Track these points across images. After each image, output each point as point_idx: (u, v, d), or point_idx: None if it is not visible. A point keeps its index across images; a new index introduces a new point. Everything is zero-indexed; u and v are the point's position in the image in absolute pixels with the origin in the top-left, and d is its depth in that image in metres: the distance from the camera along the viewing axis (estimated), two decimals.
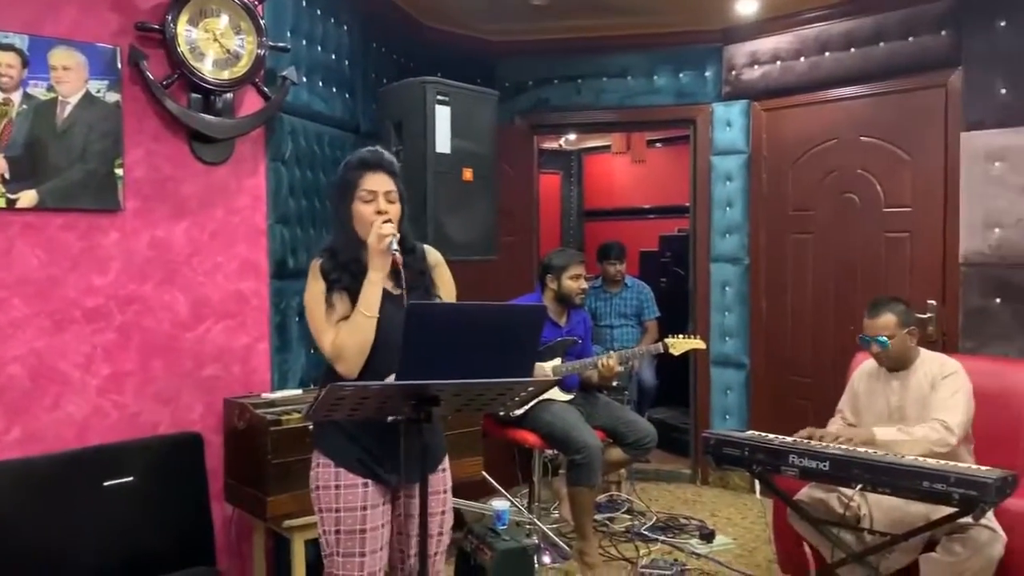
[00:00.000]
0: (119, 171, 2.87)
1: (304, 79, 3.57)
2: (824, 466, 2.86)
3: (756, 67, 4.87)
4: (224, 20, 3.09)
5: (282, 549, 3.17)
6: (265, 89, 3.25)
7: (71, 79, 2.76)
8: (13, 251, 2.68)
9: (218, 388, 3.17)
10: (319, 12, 3.71)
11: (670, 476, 5.29)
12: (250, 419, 2.95)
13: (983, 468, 2.72)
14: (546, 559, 3.92)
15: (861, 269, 4.49)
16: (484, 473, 3.73)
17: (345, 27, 3.94)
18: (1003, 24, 3.78)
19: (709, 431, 3.37)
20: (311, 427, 2.36)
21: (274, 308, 3.38)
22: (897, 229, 4.35)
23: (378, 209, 2.23)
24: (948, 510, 2.71)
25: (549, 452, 4.20)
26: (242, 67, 3.15)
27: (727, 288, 5.05)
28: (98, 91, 2.81)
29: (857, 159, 4.51)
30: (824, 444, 2.98)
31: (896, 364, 3.23)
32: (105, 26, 2.85)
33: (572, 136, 7.85)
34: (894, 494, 2.78)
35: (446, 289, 2.40)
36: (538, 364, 3.81)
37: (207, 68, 3.05)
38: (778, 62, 4.78)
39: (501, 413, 3.77)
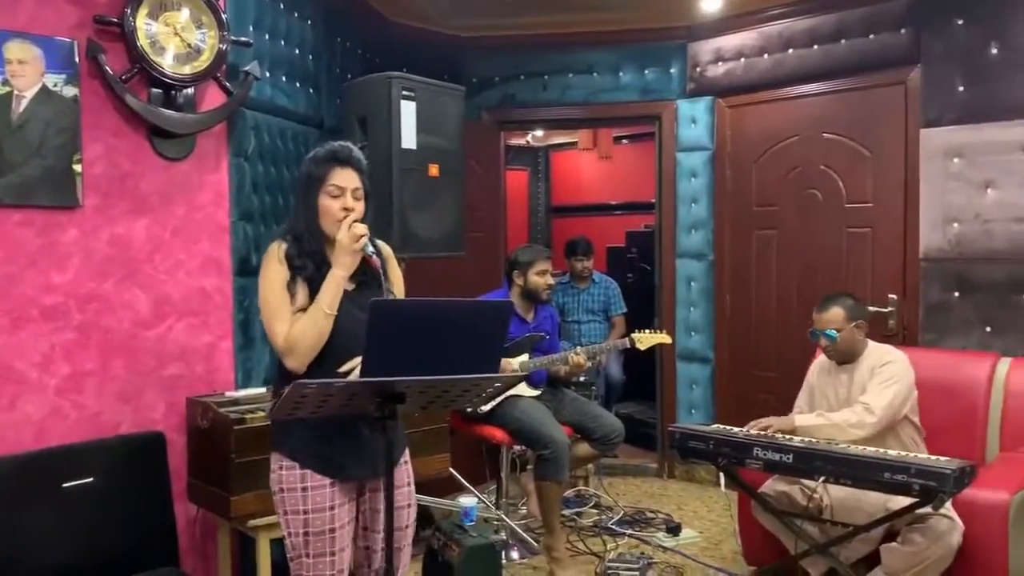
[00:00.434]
0: (77, 167, 2.82)
1: (267, 74, 3.54)
2: (788, 458, 2.91)
3: (720, 64, 4.91)
4: (185, 14, 3.05)
5: (247, 549, 3.14)
6: (227, 84, 3.21)
7: (27, 73, 2.70)
8: None
9: (181, 387, 3.13)
10: (282, 6, 3.67)
11: (637, 470, 5.33)
12: (213, 418, 2.91)
13: (942, 459, 2.77)
14: (514, 555, 3.93)
15: (824, 264, 4.55)
16: (452, 470, 3.73)
17: (308, 22, 3.90)
18: (960, 23, 3.85)
19: (675, 425, 3.41)
20: (272, 431, 2.33)
21: (237, 306, 3.34)
22: (859, 224, 4.41)
23: (344, 206, 2.21)
24: (908, 500, 2.77)
25: (517, 448, 4.21)
26: (203, 62, 3.10)
27: (692, 283, 5.09)
28: (55, 85, 2.76)
29: (819, 155, 4.56)
30: (761, 433, 3.06)
31: (844, 357, 3.29)
32: (62, 19, 2.79)
33: (539, 132, 7.86)
34: (856, 485, 2.84)
35: (396, 285, 2.38)
36: (504, 360, 3.81)
37: (167, 62, 3.00)
38: (742, 59, 4.82)
39: (468, 410, 3.76)
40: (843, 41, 4.41)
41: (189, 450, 3.10)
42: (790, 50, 4.62)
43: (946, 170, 3.91)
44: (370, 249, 2.17)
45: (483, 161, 5.13)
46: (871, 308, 4.25)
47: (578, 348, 3.97)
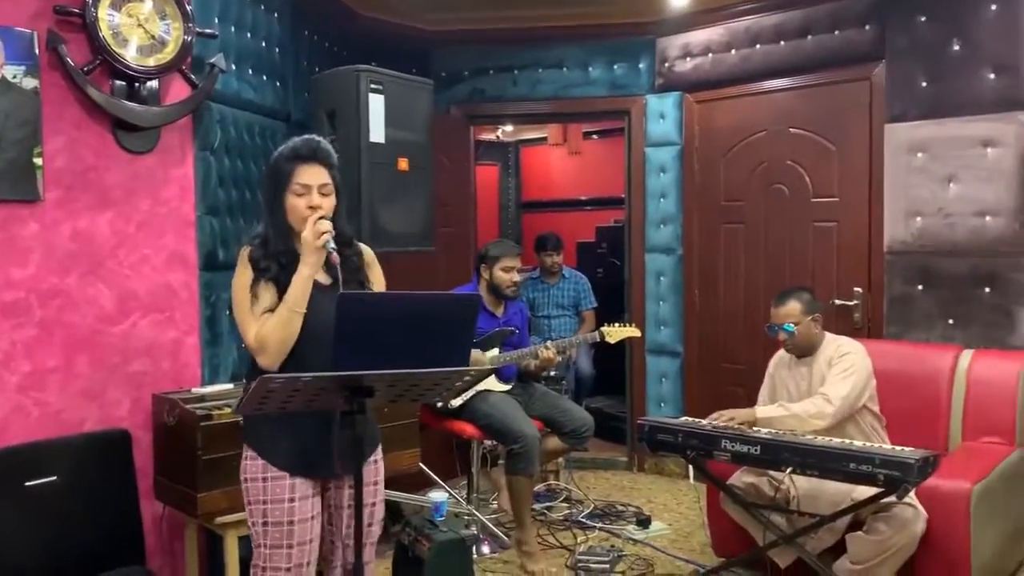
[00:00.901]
0: (38, 160, 2.76)
1: (233, 67, 3.49)
2: (755, 450, 2.95)
3: (688, 59, 4.94)
4: (148, 5, 3.00)
5: (215, 546, 3.11)
6: (192, 76, 3.17)
7: None
8: None
9: (146, 383, 3.09)
10: None
11: (607, 464, 5.35)
12: (180, 414, 2.88)
13: (906, 449, 2.82)
14: (485, 549, 3.94)
15: (790, 258, 4.60)
16: (422, 465, 3.72)
17: (275, 14, 3.86)
18: (923, 19, 3.91)
19: (644, 418, 3.43)
20: (242, 422, 2.32)
21: (204, 301, 3.30)
22: (824, 219, 4.46)
23: (311, 204, 2.19)
24: (873, 490, 2.82)
25: (488, 443, 4.21)
26: (168, 54, 3.06)
27: (662, 278, 5.12)
28: (14, 77, 2.70)
29: (786, 150, 4.60)
30: (728, 426, 3.11)
31: (803, 350, 3.34)
32: (21, 9, 2.73)
33: (509, 127, 7.85)
34: (822, 476, 2.88)
35: (378, 287, 2.38)
36: (477, 353, 3.81)
37: (130, 54, 2.96)
38: (710, 54, 4.85)
39: (439, 405, 3.76)
40: (809, 37, 4.45)
41: (155, 447, 3.07)
42: (757, 46, 4.66)
43: (909, 165, 3.97)
44: (331, 246, 2.15)
45: (453, 156, 5.12)
46: (836, 302, 4.32)
47: (548, 342, 3.97)
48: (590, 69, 5.14)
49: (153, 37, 3.02)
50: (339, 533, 2.32)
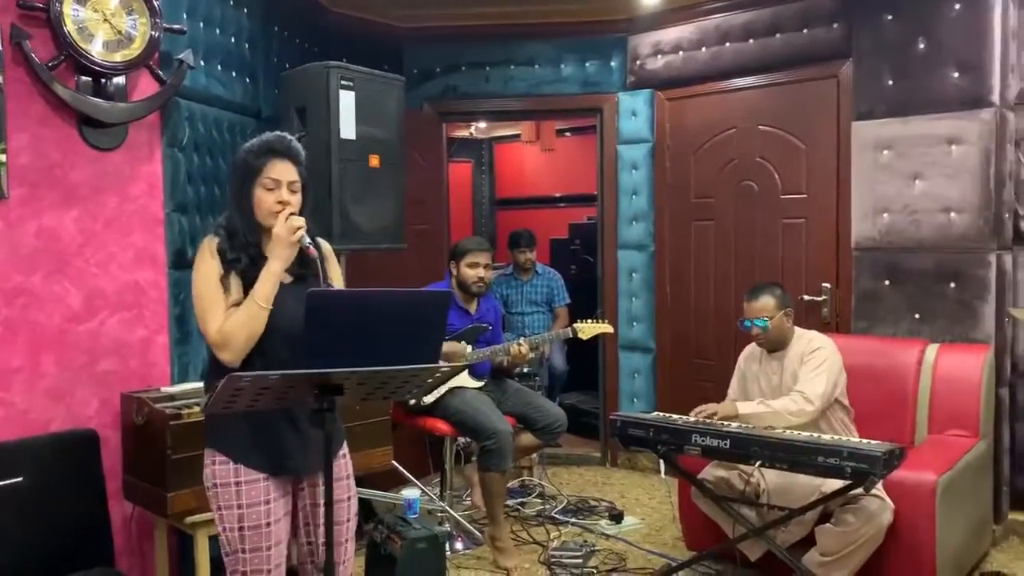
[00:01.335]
0: (2, 157, 2.71)
1: (202, 63, 3.47)
2: (725, 444, 2.98)
3: (660, 57, 4.96)
4: (114, 0, 2.96)
5: (185, 546, 3.09)
6: (160, 73, 3.14)
7: None
8: None
9: (114, 383, 3.06)
10: None
11: (581, 460, 5.37)
12: (149, 414, 2.85)
13: (873, 442, 2.86)
14: (458, 545, 3.94)
15: (760, 254, 4.64)
16: (395, 462, 3.72)
17: (245, 10, 3.83)
18: (889, 18, 3.96)
19: (616, 413, 3.45)
20: (205, 425, 2.29)
21: (173, 299, 3.27)
22: (793, 215, 4.51)
23: (280, 199, 2.17)
24: (841, 483, 2.86)
25: (462, 440, 4.21)
26: (135, 49, 3.03)
27: (634, 274, 5.15)
28: None
29: (756, 148, 4.64)
30: (703, 420, 3.14)
31: (775, 345, 3.37)
32: None
33: (482, 124, 7.85)
34: (791, 469, 2.91)
35: (337, 282, 2.36)
36: (454, 345, 3.81)
37: (96, 50, 2.92)
38: (680, 52, 4.88)
39: (411, 402, 3.75)
40: (778, 35, 4.50)
41: (124, 447, 3.04)
42: (727, 44, 4.70)
43: (876, 162, 4.02)
44: (306, 240, 2.15)
45: (425, 153, 5.11)
46: (805, 297, 4.37)
47: (521, 339, 3.98)
48: (562, 66, 5.15)
49: (119, 32, 2.98)
50: (316, 532, 2.29)
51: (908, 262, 3.96)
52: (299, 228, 2.13)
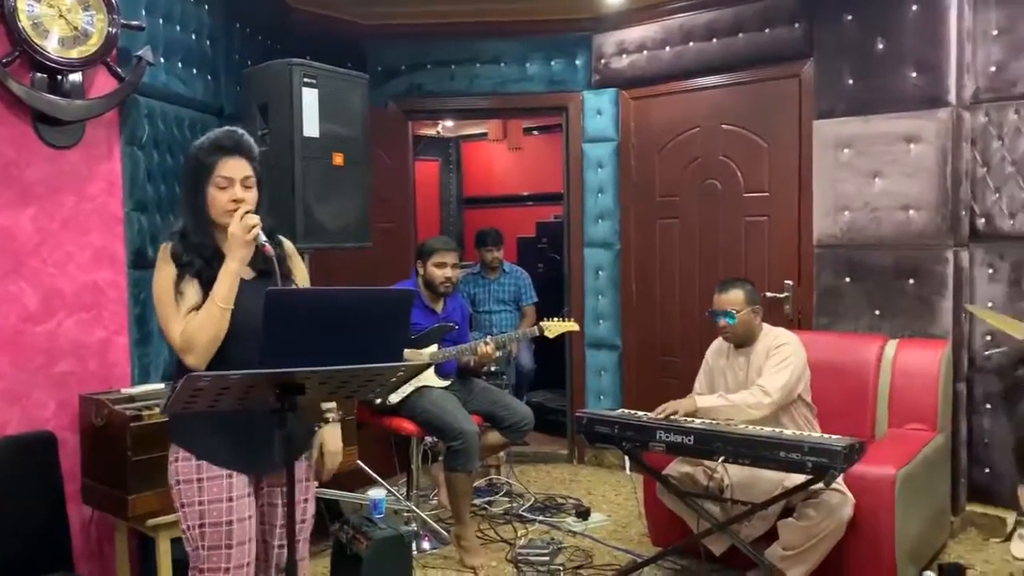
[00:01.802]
0: None
1: (162, 60, 3.42)
2: (689, 440, 3.00)
3: (624, 56, 4.99)
4: None
5: (147, 549, 3.05)
6: (118, 69, 3.09)
7: None
8: None
9: (73, 384, 3.01)
10: None
11: (548, 458, 5.38)
12: (108, 415, 2.81)
13: (833, 436, 2.90)
14: (425, 545, 3.93)
15: (723, 252, 4.68)
16: (360, 463, 3.70)
17: (205, 6, 3.79)
18: (849, 18, 4.01)
19: (582, 411, 3.46)
20: (169, 422, 2.27)
21: (133, 299, 3.23)
22: (756, 213, 4.55)
23: (234, 197, 2.14)
24: (804, 478, 2.89)
25: (430, 439, 4.20)
26: (92, 45, 2.98)
27: (600, 272, 5.17)
28: None
29: (719, 146, 4.68)
30: (662, 416, 3.16)
31: (742, 339, 3.40)
32: None
33: (450, 123, 7.83)
34: (753, 464, 2.94)
35: (301, 280, 2.35)
36: (414, 351, 3.79)
37: (52, 46, 2.87)
38: (645, 51, 4.91)
39: (377, 401, 3.74)
40: (741, 35, 4.54)
41: (83, 450, 2.99)
42: (690, 43, 4.73)
43: (837, 160, 4.08)
44: (262, 239, 2.12)
45: (391, 151, 5.09)
46: (768, 294, 4.41)
47: (488, 337, 3.98)
48: (528, 65, 5.16)
49: (76, 28, 2.93)
50: (273, 532, 2.28)
51: (868, 259, 4.02)
52: (254, 226, 2.10)
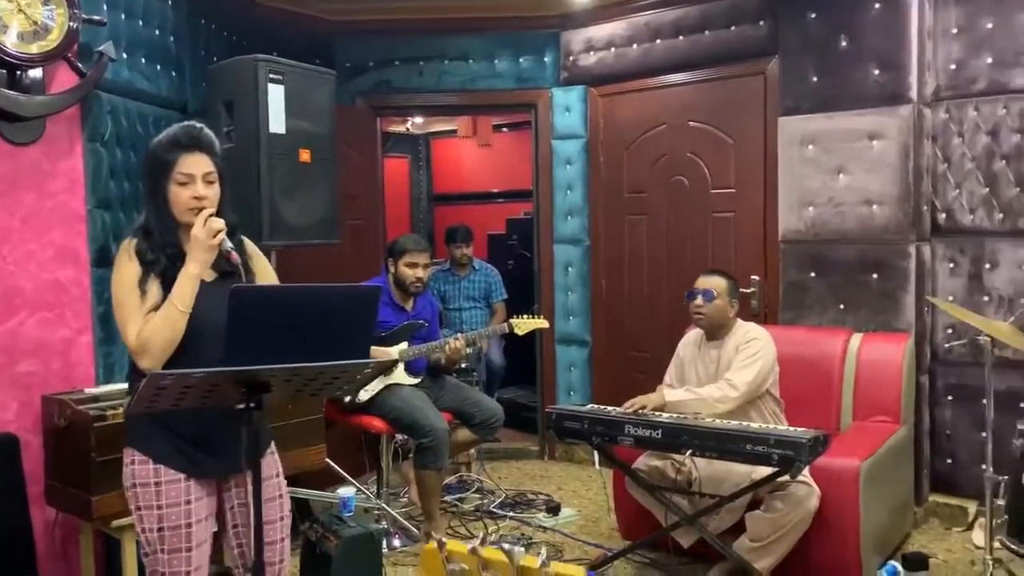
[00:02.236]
0: None
1: (124, 55, 3.38)
2: (657, 434, 3.02)
3: (592, 53, 5.00)
4: None
5: (112, 550, 3.01)
6: (79, 65, 3.05)
7: None
8: None
9: (35, 385, 2.97)
10: None
11: (519, 454, 5.39)
12: (71, 416, 2.78)
13: (799, 429, 2.94)
14: (396, 543, 3.92)
15: (690, 248, 4.72)
16: (329, 461, 3.68)
17: (169, 2, 3.74)
18: (813, 16, 4.06)
19: (552, 407, 3.47)
20: (127, 424, 2.23)
21: (96, 298, 3.18)
22: (723, 209, 4.59)
23: (196, 194, 2.10)
24: (770, 470, 2.92)
25: (400, 437, 4.19)
26: (52, 40, 2.94)
27: (570, 269, 5.19)
28: None
29: (686, 143, 4.71)
30: (630, 411, 3.17)
31: (711, 325, 3.42)
32: None
33: (419, 120, 7.81)
34: (720, 458, 2.98)
35: (266, 278, 2.30)
36: (382, 349, 3.78)
37: (11, 41, 2.82)
38: (612, 48, 4.93)
39: (346, 399, 3.72)
40: (707, 32, 4.57)
41: (46, 451, 2.95)
42: (657, 40, 4.76)
43: (801, 156, 4.12)
44: (228, 245, 2.08)
45: (359, 147, 5.06)
46: None
47: (458, 335, 3.98)
48: (496, 61, 5.15)
49: (35, 23, 2.89)
50: (246, 533, 2.23)
51: (833, 254, 4.07)
52: (219, 231, 2.07)
